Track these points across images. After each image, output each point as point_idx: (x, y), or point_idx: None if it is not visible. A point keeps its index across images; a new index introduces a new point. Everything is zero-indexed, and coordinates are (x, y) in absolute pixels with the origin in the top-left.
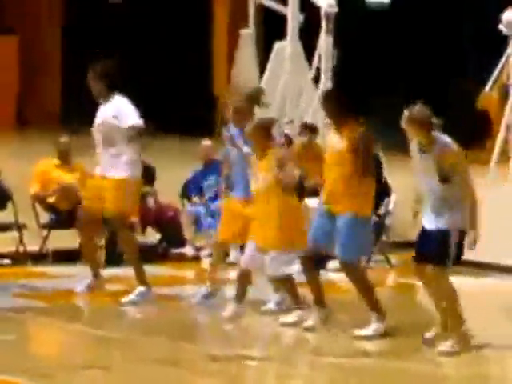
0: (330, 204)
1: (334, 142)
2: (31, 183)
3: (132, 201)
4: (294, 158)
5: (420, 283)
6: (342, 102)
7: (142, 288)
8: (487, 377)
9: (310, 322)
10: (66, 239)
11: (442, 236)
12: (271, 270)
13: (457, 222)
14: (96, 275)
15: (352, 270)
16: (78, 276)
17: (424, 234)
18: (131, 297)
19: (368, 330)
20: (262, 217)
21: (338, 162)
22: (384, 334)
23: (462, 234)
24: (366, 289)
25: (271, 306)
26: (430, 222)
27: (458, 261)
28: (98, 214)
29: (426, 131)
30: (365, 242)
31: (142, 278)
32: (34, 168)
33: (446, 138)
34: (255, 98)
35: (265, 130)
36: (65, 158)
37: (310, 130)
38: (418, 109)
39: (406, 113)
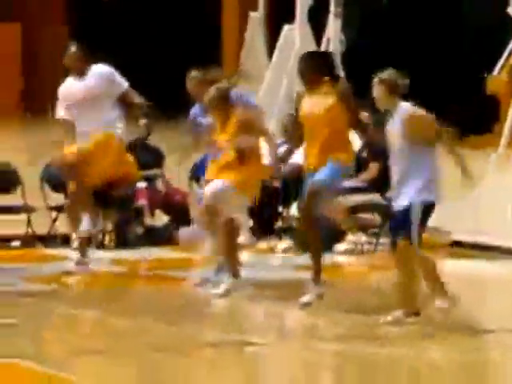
0: (315, 166)
1: (310, 106)
2: None
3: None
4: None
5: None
6: (316, 63)
7: None
8: (484, 362)
9: (306, 299)
10: None
11: (404, 211)
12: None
13: (419, 194)
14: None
15: (316, 196)
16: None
17: (393, 213)
18: None
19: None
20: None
21: (320, 121)
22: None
23: (429, 206)
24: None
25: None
26: (394, 199)
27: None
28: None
29: (393, 94)
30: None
31: None
32: None
33: (413, 107)
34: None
35: (222, 98)
36: None
37: None
38: (388, 72)
39: (375, 77)
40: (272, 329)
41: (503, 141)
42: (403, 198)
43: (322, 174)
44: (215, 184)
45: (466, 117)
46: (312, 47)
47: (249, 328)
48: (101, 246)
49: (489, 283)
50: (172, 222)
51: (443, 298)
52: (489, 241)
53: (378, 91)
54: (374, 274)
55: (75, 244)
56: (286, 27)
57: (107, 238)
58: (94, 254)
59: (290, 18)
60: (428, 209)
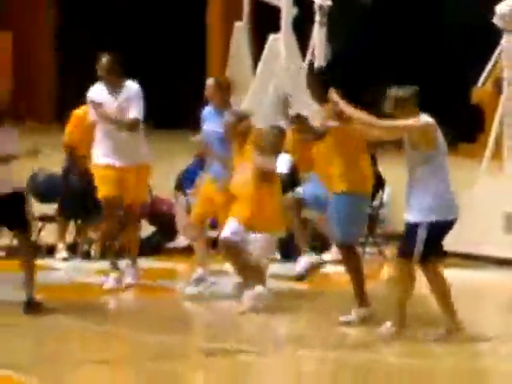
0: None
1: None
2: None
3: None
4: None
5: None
6: (325, 80)
7: (115, 274)
8: (475, 369)
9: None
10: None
11: (410, 229)
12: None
13: (428, 212)
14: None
15: (347, 250)
16: (70, 269)
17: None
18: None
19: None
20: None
21: (327, 143)
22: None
23: (438, 224)
24: (357, 273)
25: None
26: (405, 213)
27: (442, 254)
28: (119, 203)
29: (409, 110)
30: (361, 222)
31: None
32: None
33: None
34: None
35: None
36: None
37: (301, 120)
38: (403, 89)
39: (390, 94)
40: (263, 338)
41: (488, 151)
42: (412, 212)
43: (340, 224)
44: (235, 228)
45: (451, 126)
46: (297, 56)
47: (240, 337)
48: (87, 256)
49: (477, 293)
50: (158, 232)
51: (452, 324)
52: (476, 250)
53: (393, 108)
54: None
55: (60, 254)
56: (271, 36)
57: (93, 248)
58: (80, 264)
59: (275, 27)
60: (441, 227)
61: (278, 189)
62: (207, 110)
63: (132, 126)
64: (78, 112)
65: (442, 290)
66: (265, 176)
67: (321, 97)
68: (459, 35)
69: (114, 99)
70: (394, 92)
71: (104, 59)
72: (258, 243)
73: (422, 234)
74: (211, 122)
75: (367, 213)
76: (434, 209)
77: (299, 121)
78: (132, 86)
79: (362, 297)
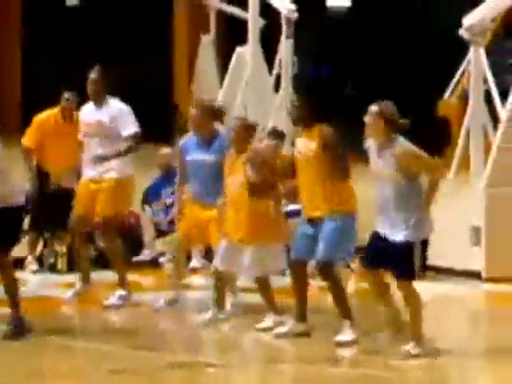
0: (309, 211)
1: (303, 146)
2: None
3: (127, 201)
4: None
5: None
6: (313, 104)
7: (123, 292)
8: (447, 382)
9: (283, 329)
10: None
11: (404, 249)
12: (250, 271)
13: (418, 232)
14: (86, 281)
15: (330, 272)
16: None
17: (382, 240)
18: (112, 300)
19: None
20: (234, 215)
21: (309, 165)
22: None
23: (425, 242)
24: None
25: (228, 308)
26: (390, 233)
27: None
28: (90, 218)
29: (390, 129)
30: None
31: (124, 282)
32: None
33: (406, 141)
34: (216, 112)
35: (248, 130)
36: (68, 115)
37: (277, 135)
38: (387, 104)
39: (373, 107)
40: (232, 350)
41: (454, 164)
42: (397, 232)
43: (324, 244)
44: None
45: (418, 139)
46: (264, 69)
47: (209, 350)
48: (53, 269)
49: (444, 305)
50: (124, 245)
51: (417, 343)
52: (444, 263)
53: (374, 123)
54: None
55: (30, 267)
56: (237, 49)
57: (59, 261)
58: (47, 277)
59: (241, 39)
60: (426, 245)
61: (277, 200)
62: (191, 141)
63: (131, 148)
64: (40, 117)
65: (417, 305)
66: (258, 190)
67: (307, 120)
68: (429, 47)
69: (96, 114)
70: (384, 109)
71: (90, 76)
72: (253, 255)
73: (416, 251)
74: (199, 152)
75: (354, 232)
76: (420, 225)
77: (275, 136)
78: (116, 104)
79: (349, 313)
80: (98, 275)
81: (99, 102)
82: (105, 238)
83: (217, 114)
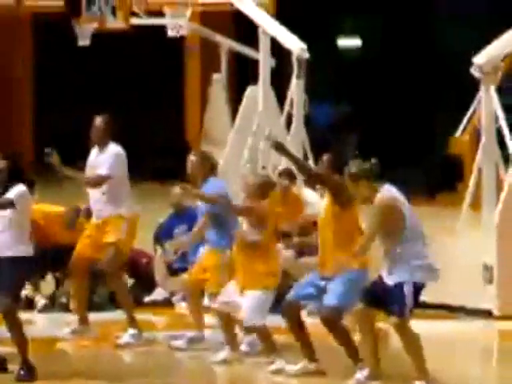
0: (321, 269)
1: (322, 206)
2: None
3: (131, 239)
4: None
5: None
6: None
7: (133, 330)
8: None
9: (295, 368)
10: None
11: (397, 290)
12: (248, 319)
13: (408, 275)
14: (84, 321)
15: (334, 321)
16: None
17: (381, 283)
18: (125, 339)
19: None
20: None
21: (324, 223)
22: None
23: (418, 285)
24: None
25: (244, 347)
26: (385, 275)
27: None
28: (90, 259)
29: (367, 184)
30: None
31: (134, 321)
32: None
33: (389, 190)
34: (212, 164)
35: (263, 189)
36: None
37: (289, 175)
38: (356, 164)
39: (346, 170)
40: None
41: (466, 201)
42: (392, 276)
43: (332, 295)
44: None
45: (431, 176)
46: (275, 108)
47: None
48: (66, 309)
49: (456, 344)
50: (137, 285)
51: (423, 379)
52: (456, 301)
53: (354, 187)
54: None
55: (39, 306)
56: (249, 88)
57: (71, 301)
58: (59, 317)
59: (253, 79)
60: (419, 288)
61: (271, 248)
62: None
63: (94, 183)
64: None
65: (414, 344)
66: (250, 246)
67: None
68: (441, 85)
69: (96, 159)
70: (354, 168)
71: (95, 122)
72: (248, 302)
73: (408, 291)
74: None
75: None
76: (418, 269)
77: (286, 176)
78: (114, 149)
79: (357, 355)
80: (111, 315)
81: (101, 148)
82: (108, 276)
83: (214, 166)
